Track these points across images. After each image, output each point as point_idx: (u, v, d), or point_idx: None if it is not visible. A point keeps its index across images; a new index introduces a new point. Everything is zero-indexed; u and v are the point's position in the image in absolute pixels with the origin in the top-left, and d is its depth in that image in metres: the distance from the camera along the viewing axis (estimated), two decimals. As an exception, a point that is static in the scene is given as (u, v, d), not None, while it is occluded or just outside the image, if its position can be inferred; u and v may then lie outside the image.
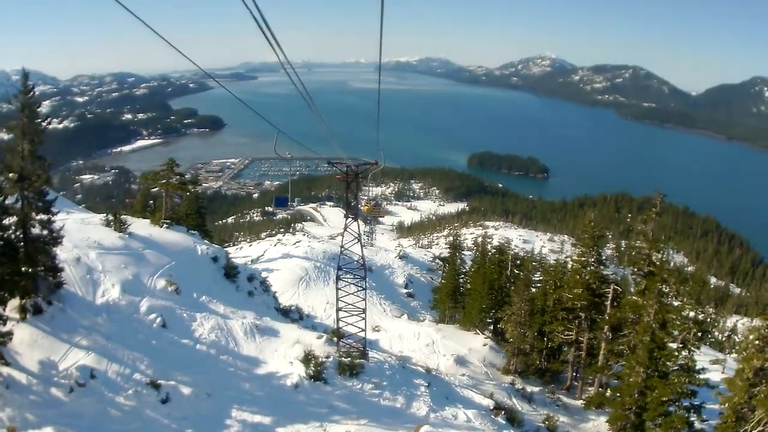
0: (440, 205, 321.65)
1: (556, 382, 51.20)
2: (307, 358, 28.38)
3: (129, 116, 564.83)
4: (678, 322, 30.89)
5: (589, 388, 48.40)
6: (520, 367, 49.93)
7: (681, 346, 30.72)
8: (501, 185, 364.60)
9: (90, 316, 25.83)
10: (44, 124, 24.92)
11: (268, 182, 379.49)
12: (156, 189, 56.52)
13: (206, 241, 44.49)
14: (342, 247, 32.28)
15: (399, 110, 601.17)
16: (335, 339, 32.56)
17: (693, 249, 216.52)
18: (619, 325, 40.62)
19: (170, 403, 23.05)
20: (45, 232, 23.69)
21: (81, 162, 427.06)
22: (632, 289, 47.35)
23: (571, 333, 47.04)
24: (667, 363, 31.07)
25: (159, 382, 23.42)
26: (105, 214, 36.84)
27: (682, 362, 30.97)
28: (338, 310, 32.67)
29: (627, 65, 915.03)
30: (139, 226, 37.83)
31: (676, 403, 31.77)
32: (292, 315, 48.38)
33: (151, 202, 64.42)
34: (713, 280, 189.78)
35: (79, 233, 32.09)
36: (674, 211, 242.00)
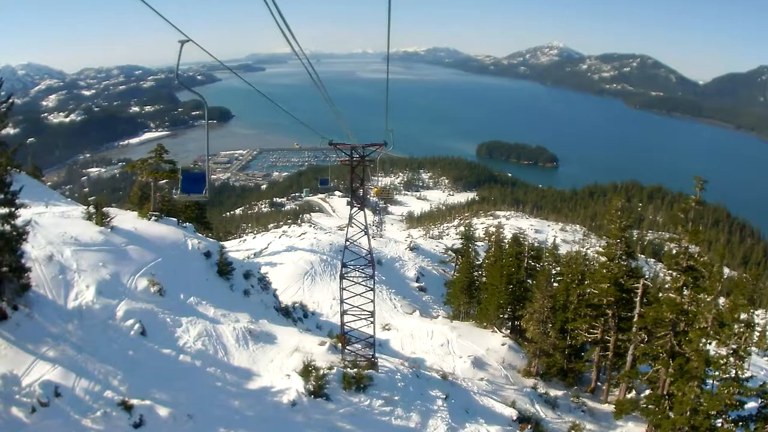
0: (450, 194, 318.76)
1: (579, 383, 47.99)
2: (307, 370, 24.55)
3: (136, 109, 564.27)
4: (731, 327, 27.23)
5: (615, 390, 45.07)
6: (542, 369, 46.52)
7: (731, 352, 27.07)
8: (510, 174, 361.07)
9: (60, 323, 22.16)
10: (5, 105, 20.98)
11: (277, 173, 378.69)
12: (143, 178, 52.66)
13: (199, 234, 40.72)
14: (347, 240, 28.39)
15: (407, 100, 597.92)
16: (340, 345, 28.91)
17: (705, 238, 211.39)
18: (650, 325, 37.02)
19: (144, 427, 19.43)
20: (8, 227, 20.19)
21: (88, 155, 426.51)
22: (650, 283, 44.11)
23: (596, 331, 43.59)
24: (716, 373, 27.52)
25: (131, 402, 19.78)
26: (86, 206, 33.29)
27: (732, 371, 27.35)
28: (343, 313, 28.82)
29: (635, 54, 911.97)
30: (124, 219, 34.13)
31: (723, 416, 28.28)
32: (295, 314, 44.96)
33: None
34: (726, 270, 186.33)
35: (56, 228, 28.51)
36: (685, 199, 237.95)
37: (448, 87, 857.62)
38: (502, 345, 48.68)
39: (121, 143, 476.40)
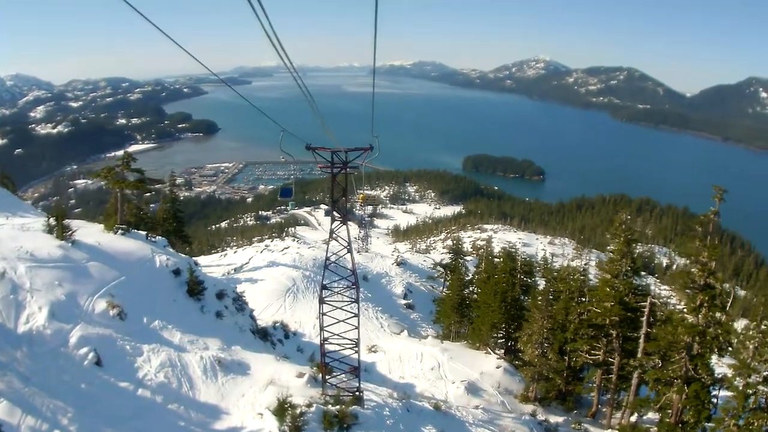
0: (436, 208, 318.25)
1: (578, 406, 45.13)
2: (282, 408, 21.04)
3: (123, 121, 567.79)
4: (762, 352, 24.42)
5: (617, 414, 42.18)
6: (540, 393, 43.55)
7: (761, 380, 24.27)
8: (497, 188, 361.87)
9: (8, 350, 19.32)
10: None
11: (262, 186, 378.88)
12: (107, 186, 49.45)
13: (171, 249, 37.48)
14: (327, 259, 24.59)
15: (393, 114, 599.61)
16: (320, 375, 25.53)
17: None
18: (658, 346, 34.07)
19: (91, 477, 16.58)
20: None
21: (75, 167, 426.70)
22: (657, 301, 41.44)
23: (598, 353, 40.71)
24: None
25: (78, 446, 16.86)
26: (46, 218, 30.16)
27: (762, 399, 24.58)
28: (323, 341, 25.07)
29: (621, 67, 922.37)
30: (88, 232, 30.94)
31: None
32: (275, 335, 41.85)
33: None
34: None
35: (12, 242, 25.51)
36: (674, 212, 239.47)
37: (434, 101, 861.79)
38: (497, 368, 45.80)
39: (107, 155, 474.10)
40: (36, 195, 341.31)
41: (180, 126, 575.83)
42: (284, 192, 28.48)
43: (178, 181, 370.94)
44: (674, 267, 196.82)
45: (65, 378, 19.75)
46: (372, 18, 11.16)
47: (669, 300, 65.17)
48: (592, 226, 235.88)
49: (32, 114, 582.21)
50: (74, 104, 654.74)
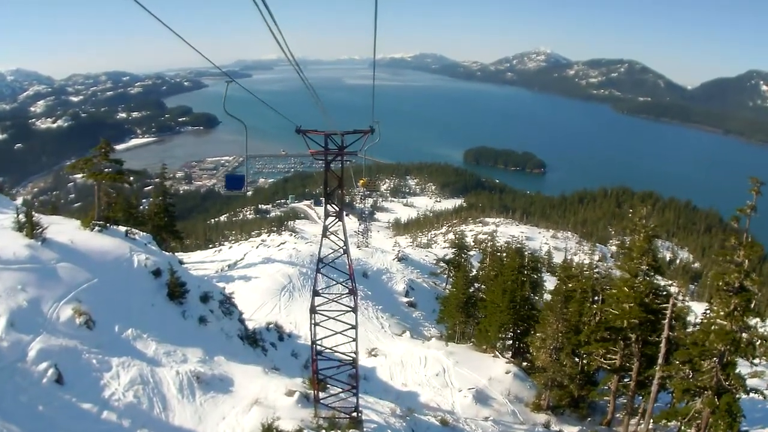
0: (437, 201, 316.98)
1: (592, 413, 42.34)
2: None
3: (123, 115, 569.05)
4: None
5: (632, 421, 39.41)
6: (553, 401, 40.72)
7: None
8: (498, 180, 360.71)
9: (-38, 365, 16.26)
10: None
11: (263, 180, 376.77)
12: (86, 179, 46.45)
13: (153, 247, 34.37)
14: (320, 261, 21.23)
15: (393, 106, 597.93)
16: (313, 392, 22.15)
17: (698, 245, 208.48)
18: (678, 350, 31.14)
19: None
20: None
21: (75, 161, 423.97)
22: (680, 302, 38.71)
23: (614, 357, 37.88)
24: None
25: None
26: (16, 215, 27.22)
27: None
28: (315, 356, 21.74)
29: (622, 59, 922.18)
30: (62, 229, 27.81)
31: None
32: (268, 338, 38.92)
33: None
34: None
35: (-24, 242, 22.61)
36: (676, 205, 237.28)
37: (435, 93, 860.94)
38: (507, 373, 42.98)
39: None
40: (36, 189, 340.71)
41: (180, 119, 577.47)
42: (231, 180, 22.65)
43: (178, 174, 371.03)
44: (677, 262, 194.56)
45: (22, 398, 16.83)
46: (372, 11, 11.35)
47: (678, 297, 62.29)
48: (594, 219, 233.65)
49: (32, 109, 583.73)
50: (75, 98, 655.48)
